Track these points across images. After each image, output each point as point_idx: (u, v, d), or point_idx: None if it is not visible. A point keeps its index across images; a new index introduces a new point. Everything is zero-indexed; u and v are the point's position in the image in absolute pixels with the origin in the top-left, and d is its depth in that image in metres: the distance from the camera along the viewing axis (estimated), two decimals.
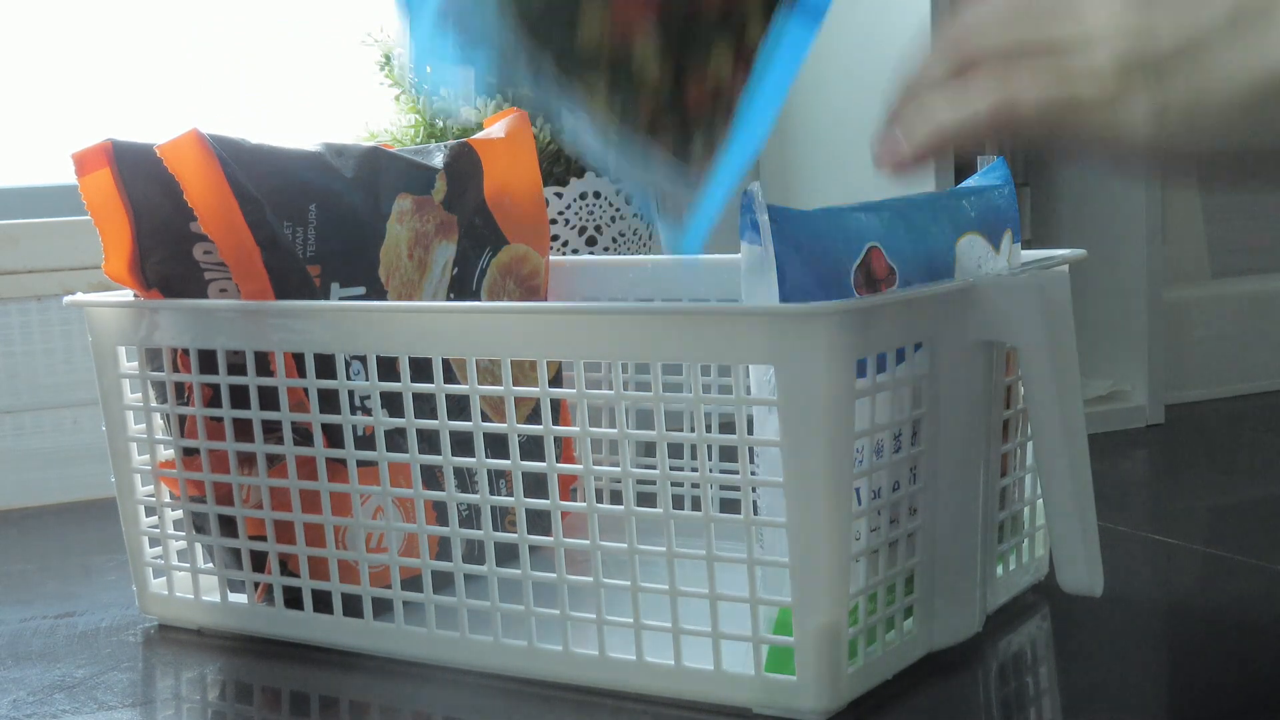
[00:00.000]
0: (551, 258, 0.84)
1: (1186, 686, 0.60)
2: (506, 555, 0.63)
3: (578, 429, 0.57)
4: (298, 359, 0.64)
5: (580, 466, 0.58)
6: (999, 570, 0.66)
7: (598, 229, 0.99)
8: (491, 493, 0.61)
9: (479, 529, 0.61)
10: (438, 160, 0.76)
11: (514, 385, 0.59)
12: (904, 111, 0.49)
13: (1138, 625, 0.66)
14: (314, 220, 0.68)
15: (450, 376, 0.63)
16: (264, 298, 0.65)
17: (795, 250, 0.55)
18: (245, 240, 0.65)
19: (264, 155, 0.68)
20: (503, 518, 0.74)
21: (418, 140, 1.00)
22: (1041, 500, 0.63)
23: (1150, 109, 0.44)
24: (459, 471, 0.67)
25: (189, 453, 0.69)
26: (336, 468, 0.64)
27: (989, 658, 0.62)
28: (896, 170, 0.49)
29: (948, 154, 0.50)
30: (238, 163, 0.66)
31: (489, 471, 0.60)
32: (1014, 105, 0.46)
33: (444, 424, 0.61)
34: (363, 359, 0.64)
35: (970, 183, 0.67)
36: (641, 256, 1.00)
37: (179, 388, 0.69)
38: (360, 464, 0.64)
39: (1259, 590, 0.71)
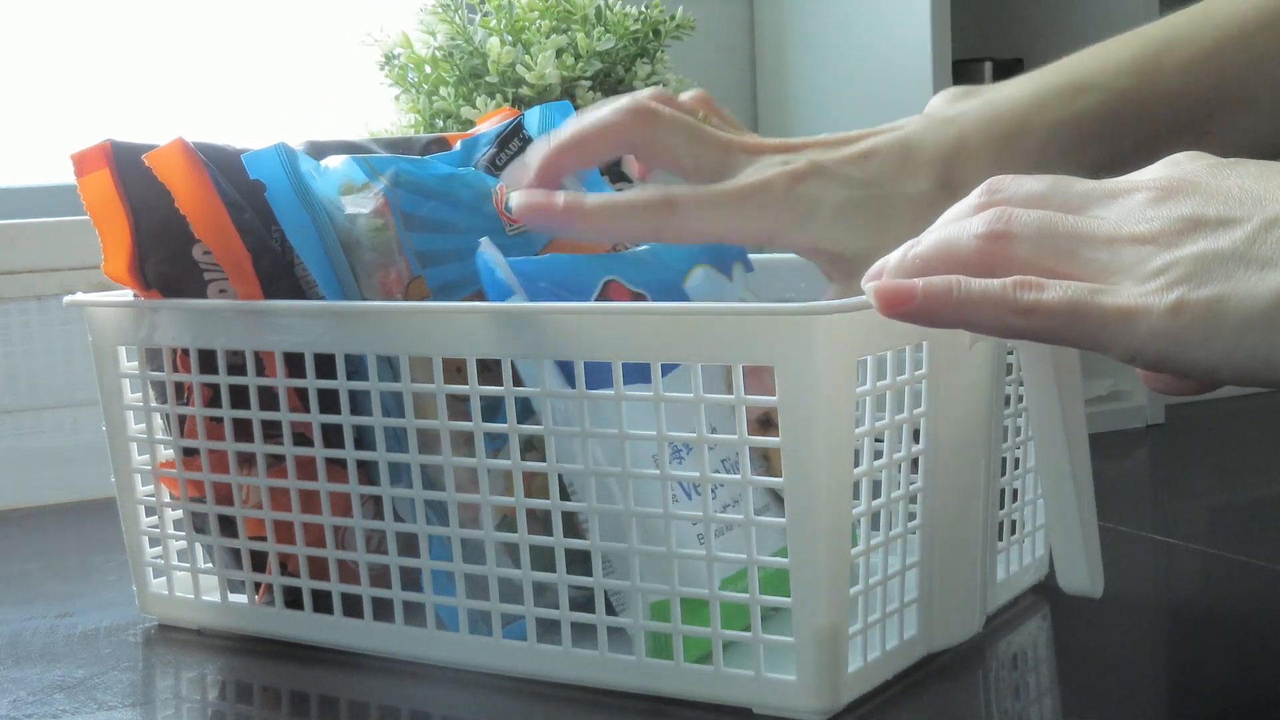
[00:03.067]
0: None
1: (1186, 686, 0.60)
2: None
3: (578, 429, 0.57)
4: (297, 359, 0.64)
5: (581, 466, 0.58)
6: (999, 571, 0.66)
7: None
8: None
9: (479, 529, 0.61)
10: (417, 151, 0.76)
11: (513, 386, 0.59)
12: (934, 271, 0.47)
13: (1138, 625, 0.66)
14: None
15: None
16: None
17: (537, 286, 0.59)
18: (236, 246, 0.65)
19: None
20: None
21: None
22: (1042, 501, 0.63)
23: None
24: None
25: (189, 453, 0.69)
26: (336, 468, 0.65)
27: (989, 658, 0.62)
28: (891, 316, 0.47)
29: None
30: (222, 169, 0.66)
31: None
32: (1038, 317, 0.45)
33: (444, 424, 0.61)
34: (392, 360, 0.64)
35: None
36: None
37: (179, 388, 0.69)
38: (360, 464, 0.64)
39: (1259, 590, 0.71)
